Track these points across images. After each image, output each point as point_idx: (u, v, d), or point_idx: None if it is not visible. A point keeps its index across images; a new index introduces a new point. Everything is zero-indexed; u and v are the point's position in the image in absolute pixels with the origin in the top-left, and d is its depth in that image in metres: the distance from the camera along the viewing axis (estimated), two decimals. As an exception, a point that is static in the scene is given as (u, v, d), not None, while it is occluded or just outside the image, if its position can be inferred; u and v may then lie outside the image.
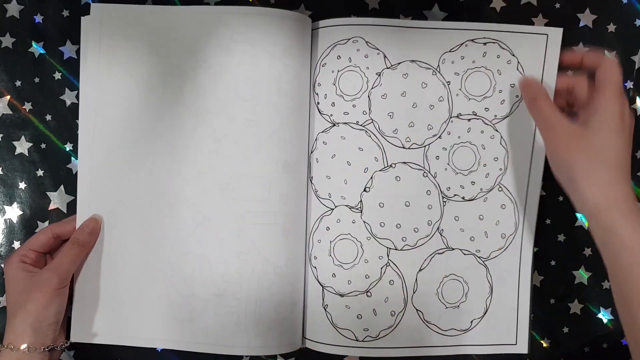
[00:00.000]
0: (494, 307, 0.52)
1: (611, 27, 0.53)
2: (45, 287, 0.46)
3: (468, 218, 0.51)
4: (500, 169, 0.51)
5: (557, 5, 0.53)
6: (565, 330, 0.54)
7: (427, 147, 0.51)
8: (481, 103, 0.51)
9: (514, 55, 0.51)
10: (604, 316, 0.54)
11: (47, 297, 0.46)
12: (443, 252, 0.51)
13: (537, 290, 0.53)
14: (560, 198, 0.54)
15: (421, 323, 0.51)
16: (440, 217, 0.51)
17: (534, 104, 0.46)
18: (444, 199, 0.51)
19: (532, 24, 0.53)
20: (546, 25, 0.53)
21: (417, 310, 0.51)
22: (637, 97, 0.54)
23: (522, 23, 0.53)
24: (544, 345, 0.54)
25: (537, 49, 0.51)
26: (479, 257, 0.51)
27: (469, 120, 0.51)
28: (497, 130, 0.51)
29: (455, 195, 0.51)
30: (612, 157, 0.42)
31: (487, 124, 0.51)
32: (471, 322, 0.52)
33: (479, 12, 0.53)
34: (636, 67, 0.53)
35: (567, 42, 0.53)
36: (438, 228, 0.51)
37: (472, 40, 0.51)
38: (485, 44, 0.51)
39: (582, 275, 0.54)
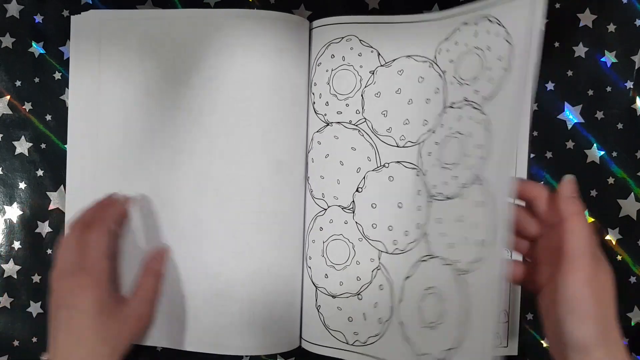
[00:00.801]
0: (474, 335, 0.43)
1: (611, 27, 0.53)
2: (141, 322, 0.45)
3: (448, 220, 0.45)
4: (482, 158, 0.43)
5: (557, 5, 0.53)
6: (565, 330, 0.54)
7: (421, 144, 0.49)
8: (472, 86, 0.47)
9: (501, 25, 0.46)
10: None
11: (137, 333, 0.44)
12: (427, 260, 0.47)
13: (537, 290, 0.53)
14: (560, 198, 0.54)
15: (400, 338, 0.48)
16: (427, 219, 0.48)
17: (581, 220, 0.38)
18: (429, 199, 0.47)
19: (532, 23, 0.53)
20: (546, 25, 0.53)
21: (400, 322, 0.48)
22: (637, 97, 0.54)
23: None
24: (544, 345, 0.54)
25: (522, 16, 0.45)
26: (457, 269, 0.44)
27: (460, 107, 0.48)
28: (484, 114, 0.46)
29: (439, 193, 0.47)
30: (609, 292, 0.37)
31: (475, 108, 0.47)
32: (447, 349, 0.44)
33: (479, 12, 0.53)
34: (636, 67, 0.53)
35: (568, 42, 0.54)
36: (425, 232, 0.47)
37: (465, 23, 0.48)
38: (476, 23, 0.47)
39: (582, 275, 0.54)
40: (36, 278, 0.53)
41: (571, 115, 0.53)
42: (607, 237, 0.53)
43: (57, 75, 0.53)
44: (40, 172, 0.53)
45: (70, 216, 0.51)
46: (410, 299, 0.48)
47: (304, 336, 0.51)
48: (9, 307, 0.53)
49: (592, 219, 0.53)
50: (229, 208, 0.49)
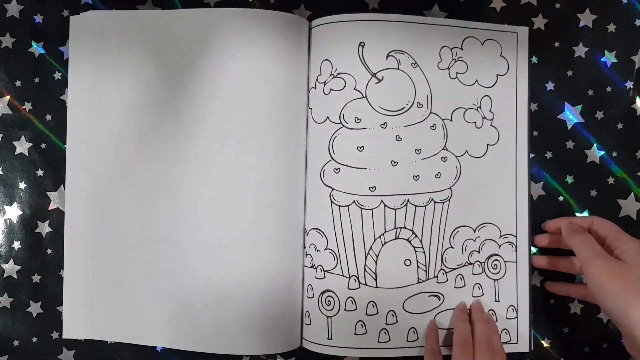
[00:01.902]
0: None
1: (611, 27, 0.53)
2: None
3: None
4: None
5: (557, 5, 0.53)
6: (565, 330, 0.54)
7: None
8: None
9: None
10: (604, 316, 0.54)
11: None
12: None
13: (537, 290, 0.53)
14: (560, 198, 0.54)
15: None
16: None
17: (584, 237, 0.47)
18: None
19: (532, 24, 0.53)
20: (546, 25, 0.53)
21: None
22: (637, 97, 0.54)
23: (522, 23, 0.53)
24: (544, 345, 0.54)
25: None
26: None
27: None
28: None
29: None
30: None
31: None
32: None
33: (479, 12, 0.53)
34: (636, 67, 0.53)
35: (568, 42, 0.54)
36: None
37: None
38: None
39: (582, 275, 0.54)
40: (36, 278, 0.53)
41: (571, 115, 0.54)
42: (607, 237, 0.53)
43: (57, 75, 0.53)
44: (40, 172, 0.53)
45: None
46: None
47: (305, 336, 0.51)
48: (9, 307, 0.52)
49: (592, 219, 0.53)
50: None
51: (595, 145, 0.54)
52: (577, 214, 0.54)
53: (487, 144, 0.52)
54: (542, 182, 0.53)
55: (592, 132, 0.54)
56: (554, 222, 0.52)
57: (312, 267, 0.50)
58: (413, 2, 0.53)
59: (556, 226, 0.52)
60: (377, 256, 0.50)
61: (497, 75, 0.52)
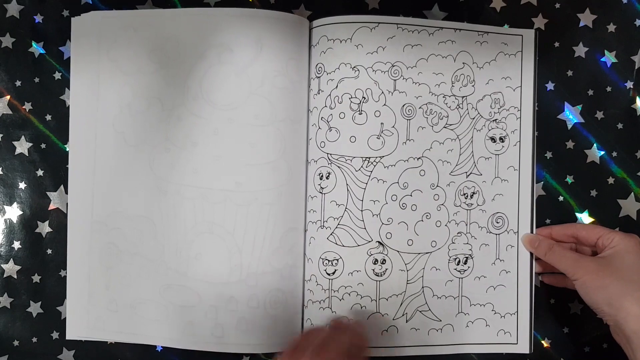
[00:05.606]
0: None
1: (611, 27, 0.53)
2: None
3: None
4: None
5: (557, 5, 0.53)
6: (565, 330, 0.54)
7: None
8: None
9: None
10: (604, 316, 0.54)
11: None
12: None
13: (537, 290, 0.53)
14: (560, 198, 0.54)
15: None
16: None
17: (553, 253, 0.49)
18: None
19: (532, 24, 0.53)
20: (546, 25, 0.53)
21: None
22: (637, 97, 0.54)
23: (522, 23, 0.53)
24: (544, 345, 0.54)
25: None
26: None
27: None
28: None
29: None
30: None
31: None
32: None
33: (479, 12, 0.53)
34: (636, 67, 0.53)
35: (568, 42, 0.54)
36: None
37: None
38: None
39: (582, 275, 0.54)
40: (36, 278, 0.53)
41: (571, 115, 0.54)
42: (607, 237, 0.53)
43: (57, 75, 0.53)
44: (40, 172, 0.53)
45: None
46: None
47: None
48: (9, 307, 0.52)
49: (592, 219, 0.54)
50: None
51: (595, 145, 0.54)
52: (577, 214, 0.54)
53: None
54: (542, 182, 0.53)
55: (592, 132, 0.54)
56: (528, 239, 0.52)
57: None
58: (413, 2, 0.53)
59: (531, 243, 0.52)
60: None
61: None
